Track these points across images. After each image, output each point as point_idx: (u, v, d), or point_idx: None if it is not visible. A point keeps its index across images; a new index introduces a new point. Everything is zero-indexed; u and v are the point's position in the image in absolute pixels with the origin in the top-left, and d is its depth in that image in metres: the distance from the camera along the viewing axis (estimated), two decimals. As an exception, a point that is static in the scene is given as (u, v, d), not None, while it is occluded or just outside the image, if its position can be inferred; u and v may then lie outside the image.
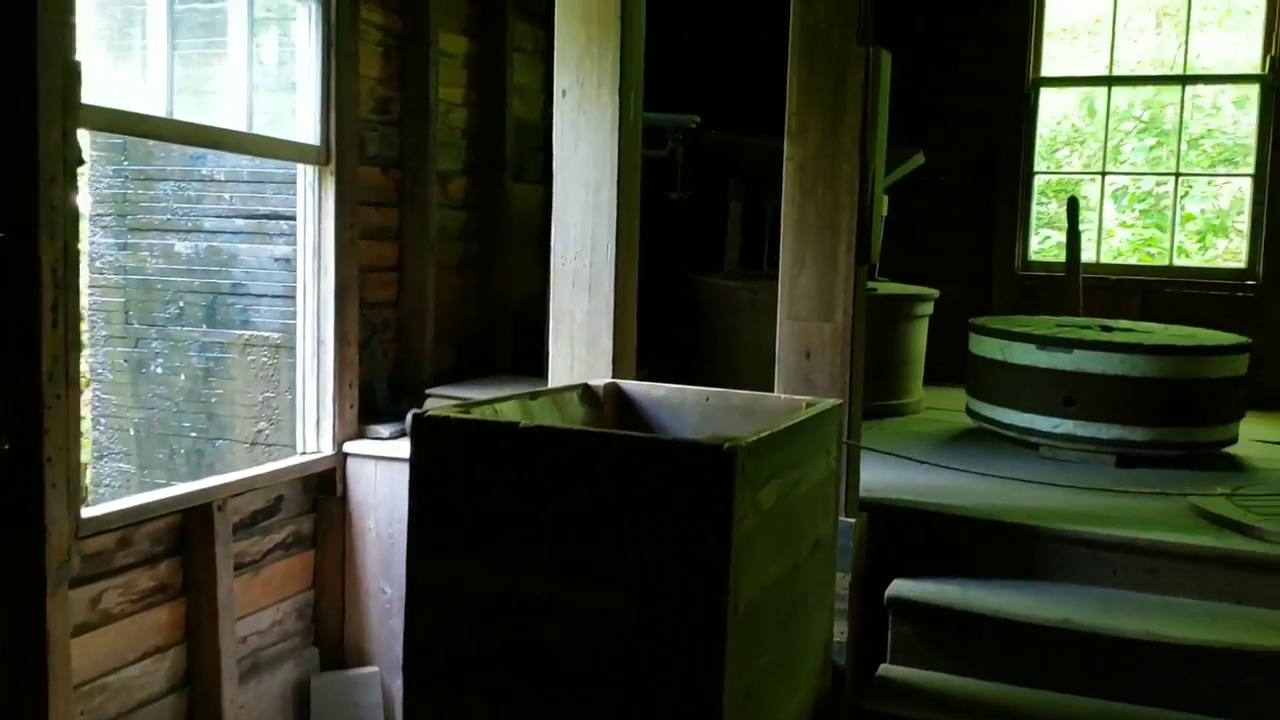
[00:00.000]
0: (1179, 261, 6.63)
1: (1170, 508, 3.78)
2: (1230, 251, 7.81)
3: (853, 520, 3.40)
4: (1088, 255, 6.80)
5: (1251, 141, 6.41)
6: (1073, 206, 6.13)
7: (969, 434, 5.05)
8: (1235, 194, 8.01)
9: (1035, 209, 6.85)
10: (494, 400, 2.72)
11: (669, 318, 5.78)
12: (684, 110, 5.52)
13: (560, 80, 3.48)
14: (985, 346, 4.89)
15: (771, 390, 3.43)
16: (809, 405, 2.91)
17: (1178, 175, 6.60)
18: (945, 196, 6.85)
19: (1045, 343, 4.59)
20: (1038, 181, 6.85)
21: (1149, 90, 7.58)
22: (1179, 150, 6.55)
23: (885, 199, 5.98)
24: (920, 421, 5.40)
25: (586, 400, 3.14)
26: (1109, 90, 6.61)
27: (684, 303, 5.79)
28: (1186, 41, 6.44)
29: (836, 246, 3.33)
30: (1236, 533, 3.46)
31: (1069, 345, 4.53)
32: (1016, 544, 3.50)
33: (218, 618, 3.70)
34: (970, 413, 5.03)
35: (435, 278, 4.83)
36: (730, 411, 3.10)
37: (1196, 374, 4.48)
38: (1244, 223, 6.71)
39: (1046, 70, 6.74)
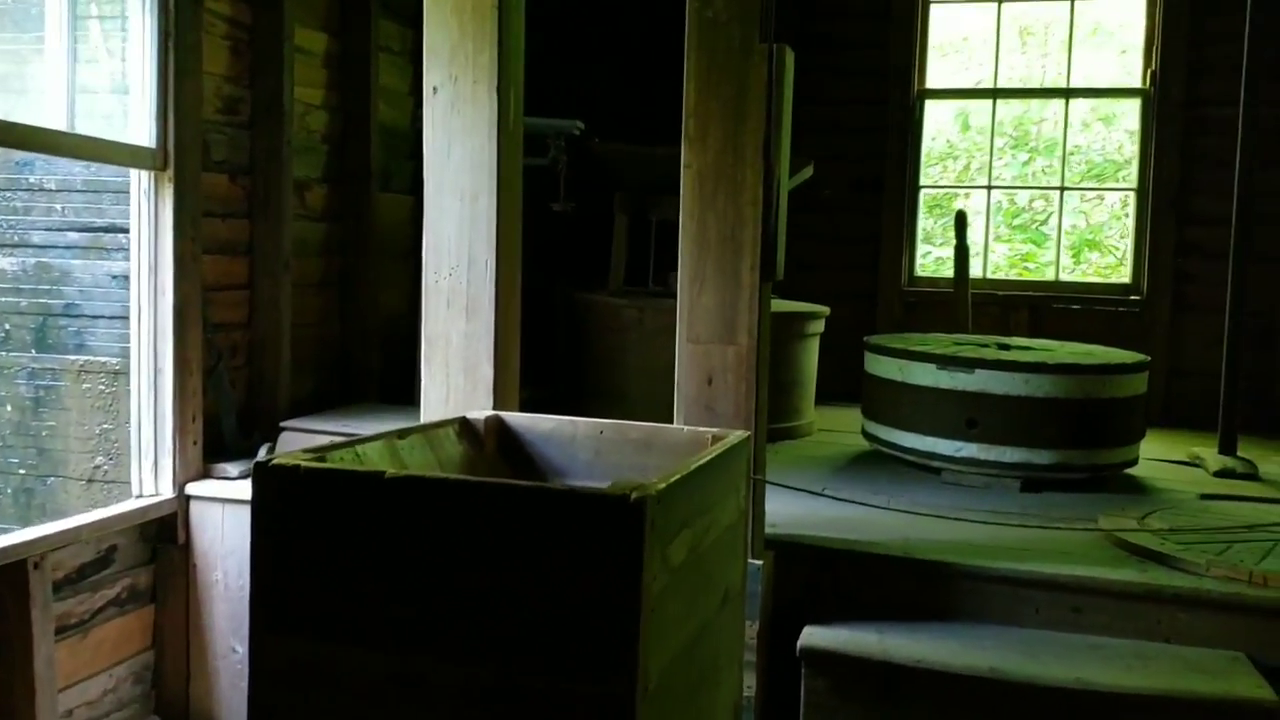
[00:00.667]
0: (1064, 276, 6.57)
1: (1086, 538, 3.59)
2: (1113, 266, 7.84)
3: (759, 562, 3.10)
4: (973, 271, 6.70)
5: (1124, 155, 6.39)
6: (960, 221, 5.99)
7: (866, 458, 4.82)
8: (1113, 208, 8.08)
9: (920, 224, 6.72)
10: (356, 441, 2.33)
11: (550, 339, 5.43)
12: (567, 115, 5.18)
13: (431, 76, 3.10)
14: (882, 366, 4.67)
15: (665, 418, 3.11)
16: (716, 439, 2.60)
17: (1062, 189, 6.54)
18: (830, 211, 6.67)
19: (946, 362, 4.39)
20: (923, 196, 6.72)
21: (1018, 107, 7.57)
22: (1063, 165, 6.49)
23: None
24: (814, 445, 5.15)
25: (465, 436, 2.76)
26: (994, 103, 6.53)
27: (566, 323, 5.44)
28: (1070, 55, 6.40)
29: (740, 262, 3.03)
30: (1159, 565, 3.27)
31: (971, 365, 4.34)
32: (933, 583, 3.25)
33: (35, 691, 3.20)
34: (866, 435, 4.80)
35: (292, 296, 4.38)
36: (627, 446, 2.76)
37: (1100, 394, 4.33)
38: (1118, 236, 6.71)
39: (929, 84, 6.63)
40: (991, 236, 6.71)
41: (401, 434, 2.50)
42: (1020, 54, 7.69)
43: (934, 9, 6.54)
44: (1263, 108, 4.90)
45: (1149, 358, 4.63)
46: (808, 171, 5.51)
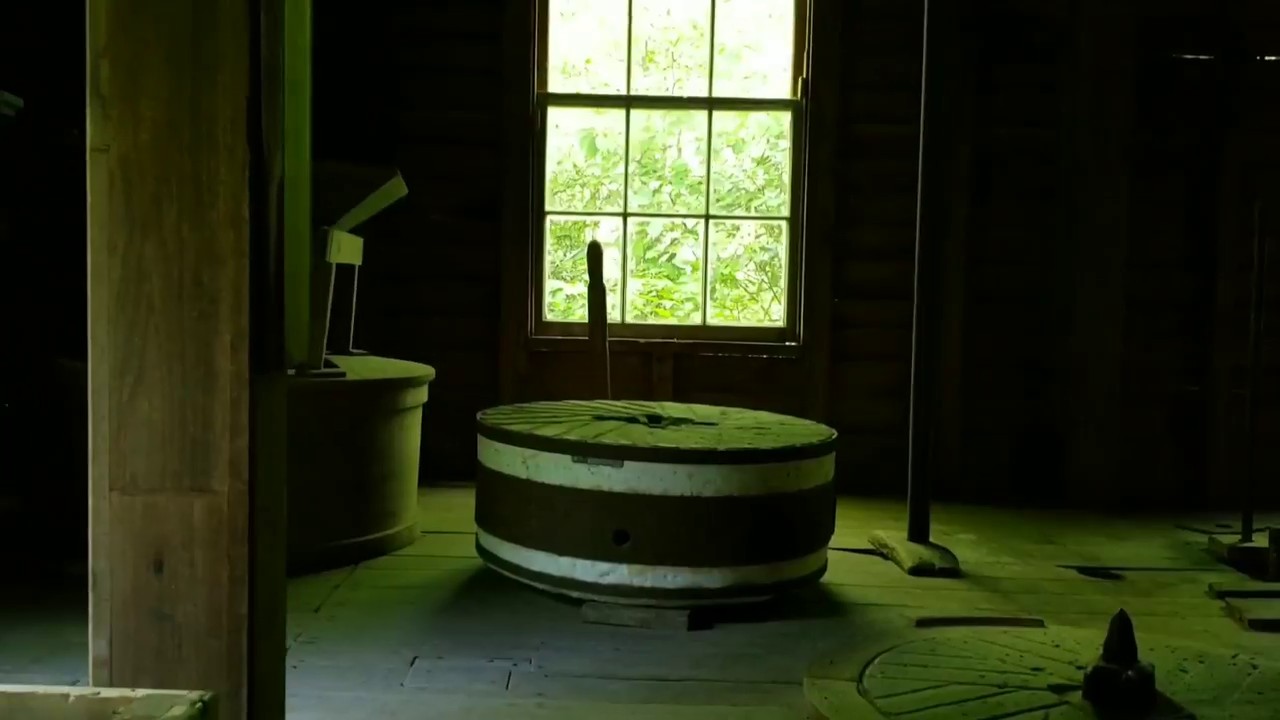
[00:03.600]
0: (713, 320, 5.59)
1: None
2: (748, 302, 7.05)
3: None
4: (611, 315, 5.61)
5: (756, 183, 5.54)
6: (594, 255, 4.84)
7: (483, 585, 3.48)
8: (747, 242, 7.33)
9: (548, 257, 5.52)
10: None
11: (13, 426, 3.69)
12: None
13: None
14: (501, 458, 3.36)
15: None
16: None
17: (707, 217, 5.55)
18: (438, 241, 5.33)
19: (586, 453, 3.15)
20: (549, 223, 5.53)
21: (643, 134, 6.64)
22: (708, 187, 5.52)
23: (359, 243, 4.36)
24: (413, 565, 3.75)
25: None
26: (627, 113, 5.44)
27: (43, 404, 3.72)
28: (711, 65, 5.44)
29: (211, 335, 1.60)
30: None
31: (619, 456, 3.12)
32: None
33: None
34: (483, 552, 3.47)
35: None
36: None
37: (785, 487, 3.25)
38: (754, 270, 5.86)
39: (551, 88, 5.47)
40: (629, 272, 5.63)
41: None
42: (645, 75, 6.78)
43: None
44: (940, 123, 4.08)
45: (834, 434, 3.63)
46: (396, 187, 4.13)
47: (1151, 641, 3.07)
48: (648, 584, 3.13)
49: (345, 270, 4.18)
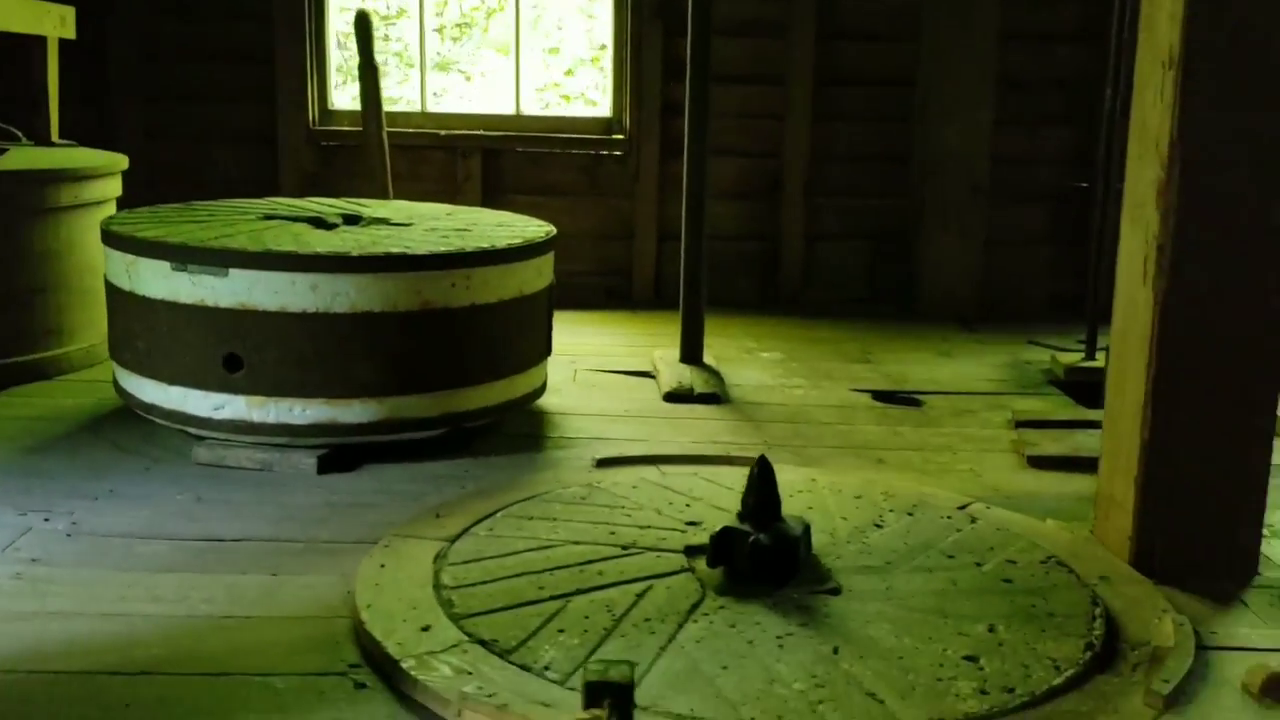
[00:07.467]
0: (530, 110, 4.85)
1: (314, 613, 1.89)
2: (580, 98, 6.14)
3: None
4: (407, 101, 4.88)
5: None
6: (363, 26, 4.11)
7: (120, 418, 2.92)
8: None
9: (333, 34, 4.76)
10: None
11: None
12: None
13: None
14: (111, 268, 2.75)
15: None
16: None
17: (522, -12, 4.75)
18: (199, 18, 4.57)
19: (185, 258, 2.53)
20: (338, -4, 4.75)
21: None
22: (521, -48, 4.69)
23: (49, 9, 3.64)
24: (64, 392, 3.18)
25: None
26: None
27: None
28: None
29: None
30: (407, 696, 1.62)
31: (222, 262, 2.50)
32: None
33: None
34: (116, 383, 2.89)
35: None
36: None
37: (450, 300, 2.64)
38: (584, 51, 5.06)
39: None
40: (430, 53, 4.87)
41: None
42: None
43: None
44: None
45: (552, 231, 2.99)
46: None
47: (883, 484, 2.52)
48: (270, 419, 2.56)
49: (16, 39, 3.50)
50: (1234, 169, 2.03)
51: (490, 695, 1.57)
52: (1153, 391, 2.08)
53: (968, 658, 1.72)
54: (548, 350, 3.02)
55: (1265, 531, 2.26)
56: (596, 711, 1.01)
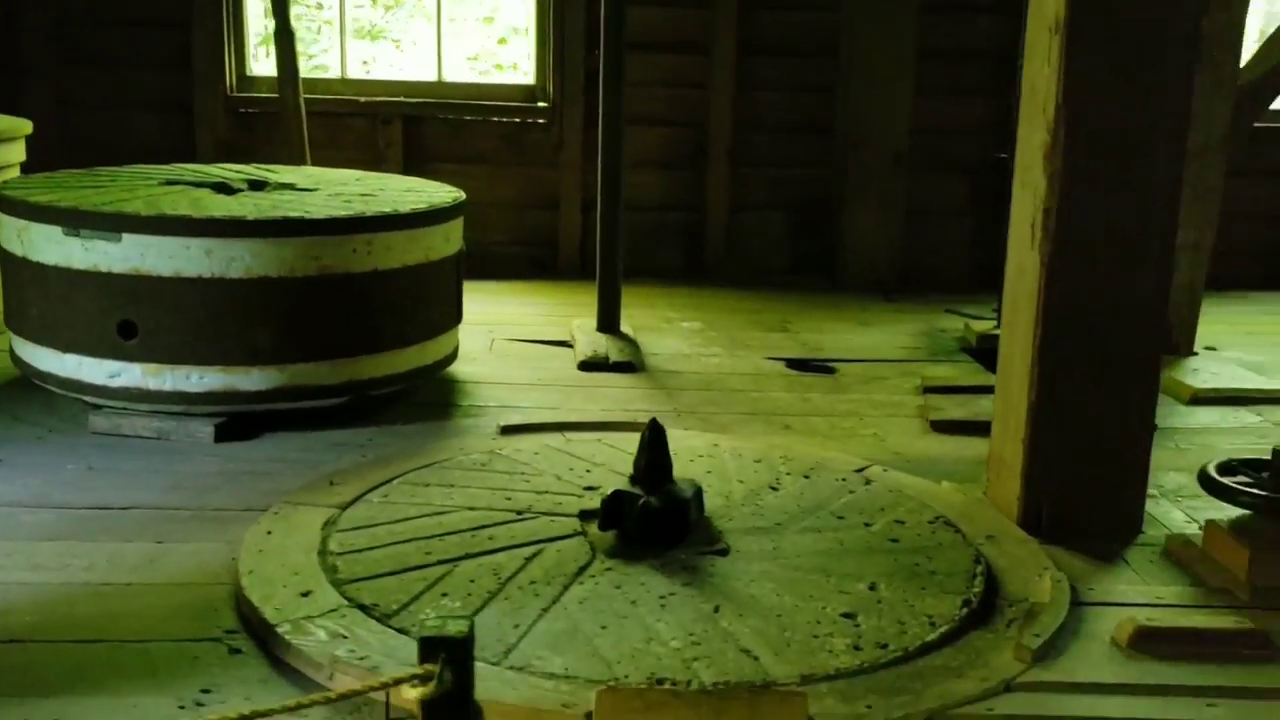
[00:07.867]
0: (452, 77, 4.79)
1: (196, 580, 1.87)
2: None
3: None
4: (326, 68, 4.81)
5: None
6: (277, -8, 4.04)
7: (9, 392, 2.85)
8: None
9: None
10: None
11: None
12: None
13: None
14: (5, 232, 2.69)
15: None
16: None
17: (442, -50, 4.68)
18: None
19: (78, 223, 2.48)
20: (256, -41, 4.66)
21: None
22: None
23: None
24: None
25: None
26: None
27: None
28: None
29: None
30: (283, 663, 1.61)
31: (115, 227, 2.46)
32: None
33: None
34: (13, 355, 2.83)
35: None
36: None
37: (351, 265, 2.61)
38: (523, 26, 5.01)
39: None
40: (364, 21, 4.80)
41: None
42: None
43: None
44: None
45: (461, 196, 2.97)
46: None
47: (784, 449, 2.53)
48: (166, 387, 2.52)
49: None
50: (1119, 134, 2.05)
51: (362, 658, 1.56)
52: (1039, 355, 2.11)
53: (845, 615, 1.74)
54: (458, 317, 3.00)
55: (1154, 492, 2.31)
56: (429, 666, 1.01)
